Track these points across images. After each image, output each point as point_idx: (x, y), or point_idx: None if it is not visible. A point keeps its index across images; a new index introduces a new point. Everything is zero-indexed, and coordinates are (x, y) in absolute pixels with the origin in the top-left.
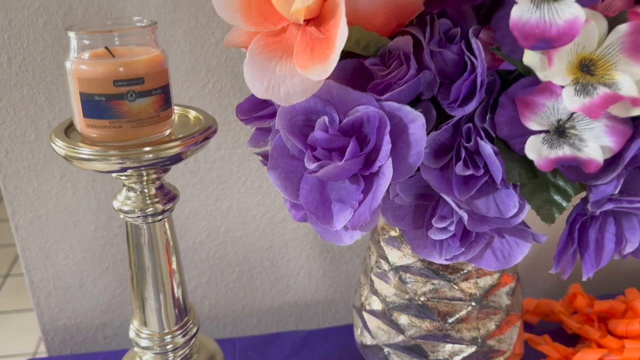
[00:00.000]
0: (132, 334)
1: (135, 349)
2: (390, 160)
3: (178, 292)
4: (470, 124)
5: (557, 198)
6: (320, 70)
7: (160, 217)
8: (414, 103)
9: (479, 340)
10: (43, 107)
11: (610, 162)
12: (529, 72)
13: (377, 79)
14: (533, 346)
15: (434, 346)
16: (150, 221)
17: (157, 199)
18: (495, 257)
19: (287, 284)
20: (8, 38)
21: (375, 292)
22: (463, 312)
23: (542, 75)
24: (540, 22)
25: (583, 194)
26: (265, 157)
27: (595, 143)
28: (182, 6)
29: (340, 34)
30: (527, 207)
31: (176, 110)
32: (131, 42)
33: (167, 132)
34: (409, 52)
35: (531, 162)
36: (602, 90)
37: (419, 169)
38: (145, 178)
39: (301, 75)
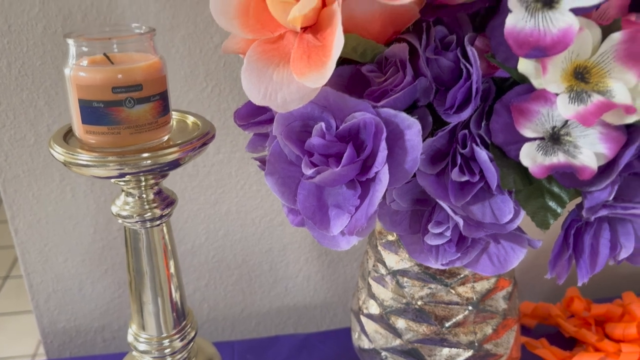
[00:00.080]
0: (130, 338)
1: (134, 352)
2: (386, 166)
3: (176, 296)
4: (466, 131)
5: (552, 204)
6: (317, 78)
7: (158, 222)
8: (411, 109)
9: (476, 344)
10: (42, 111)
11: (605, 169)
12: (523, 79)
13: (374, 86)
14: (530, 350)
15: (431, 350)
16: (148, 226)
17: (155, 204)
18: (491, 262)
19: (286, 287)
20: (8, 43)
21: (372, 296)
22: (460, 316)
23: (536, 82)
24: (534, 30)
25: (578, 200)
26: (263, 162)
27: (590, 150)
28: (181, 11)
29: (336, 42)
30: (523, 213)
31: (174, 115)
32: (130, 48)
33: (166, 137)
34: (405, 59)
35: (526, 168)
36: (596, 98)
37: (415, 175)
38: (143, 183)
39: (298, 83)
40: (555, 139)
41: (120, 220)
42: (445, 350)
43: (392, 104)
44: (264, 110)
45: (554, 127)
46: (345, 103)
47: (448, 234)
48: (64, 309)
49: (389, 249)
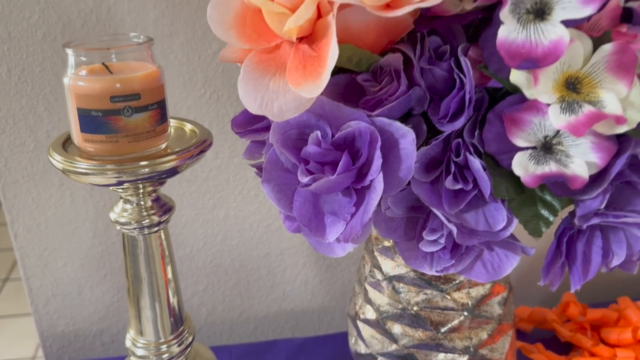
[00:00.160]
0: (128, 343)
1: (132, 357)
2: (381, 174)
3: (174, 302)
4: (460, 139)
5: (544, 212)
6: (312, 88)
7: (156, 229)
8: (406, 118)
9: (471, 349)
10: (42, 117)
11: (596, 178)
12: (516, 89)
13: (369, 95)
14: (526, 354)
15: (426, 355)
16: (146, 232)
17: (153, 211)
18: (485, 269)
19: (284, 292)
20: (8, 49)
21: (369, 301)
22: (455, 322)
23: (528, 93)
24: (526, 42)
25: (571, 208)
26: (260, 169)
27: (582, 159)
28: (180, 19)
29: (331, 53)
30: (516, 220)
31: (172, 123)
32: (128, 57)
33: (163, 145)
34: (399, 69)
35: (518, 177)
36: (587, 109)
37: (409, 183)
38: (141, 191)
39: (294, 92)
40: (547, 148)
41: (118, 227)
42: (441, 356)
43: (387, 113)
44: (261, 118)
45: (546, 137)
46: (340, 112)
47: (442, 241)
48: (63, 313)
49: (385, 254)
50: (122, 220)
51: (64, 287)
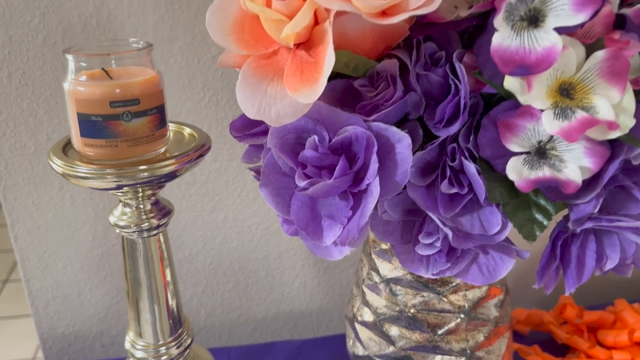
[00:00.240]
0: (127, 345)
1: (131, 359)
2: (377, 179)
3: (173, 304)
4: (455, 144)
5: (539, 217)
6: (309, 94)
7: (155, 232)
8: (402, 123)
9: (468, 351)
10: (42, 120)
11: (590, 182)
12: (510, 95)
13: (366, 100)
14: (523, 356)
15: (423, 357)
16: (145, 236)
17: (152, 215)
18: (481, 272)
19: (282, 294)
20: (8, 53)
21: (366, 303)
22: (452, 324)
23: (522, 99)
24: (519, 49)
25: (565, 212)
26: (258, 172)
27: (575, 164)
28: (179, 23)
29: (328, 59)
30: (510, 224)
31: (171, 127)
32: (128, 63)
33: (162, 149)
34: (395, 75)
35: (513, 181)
36: (580, 114)
37: (405, 187)
38: (140, 194)
39: (291, 97)
40: (541, 153)
41: (117, 230)
42: (438, 358)
43: (383, 118)
44: (259, 122)
45: (539, 142)
46: (337, 117)
47: (438, 244)
48: (63, 314)
49: (382, 257)
50: (122, 223)
51: (64, 289)
